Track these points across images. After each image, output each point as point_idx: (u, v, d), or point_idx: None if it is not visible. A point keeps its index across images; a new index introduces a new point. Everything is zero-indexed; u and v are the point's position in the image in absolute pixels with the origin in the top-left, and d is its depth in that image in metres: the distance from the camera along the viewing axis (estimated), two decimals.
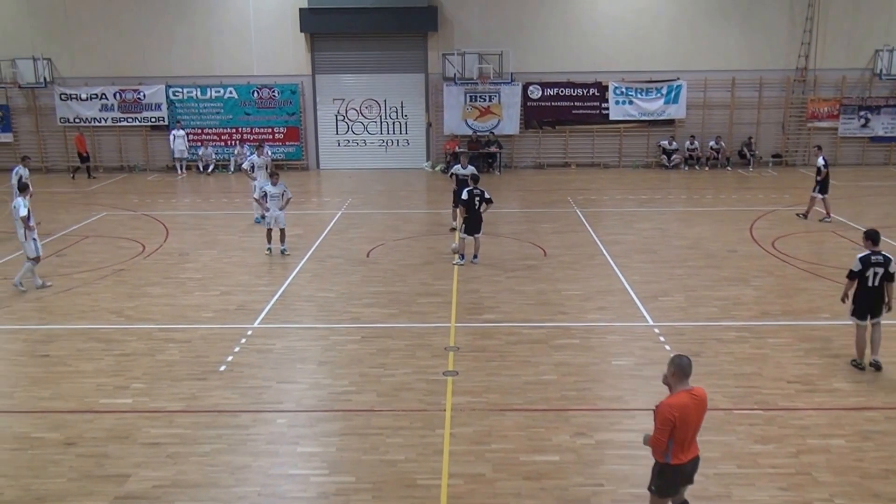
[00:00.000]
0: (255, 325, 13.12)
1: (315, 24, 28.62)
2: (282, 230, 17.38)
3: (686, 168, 29.32)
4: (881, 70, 28.64)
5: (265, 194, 17.41)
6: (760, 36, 28.89)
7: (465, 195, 16.49)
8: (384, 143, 30.25)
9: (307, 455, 8.95)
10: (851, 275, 11.05)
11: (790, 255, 17.10)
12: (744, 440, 9.22)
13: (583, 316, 13.46)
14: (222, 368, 11.32)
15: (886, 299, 10.98)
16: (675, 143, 29.47)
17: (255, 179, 20.44)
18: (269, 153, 22.16)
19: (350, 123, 30.17)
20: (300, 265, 16.70)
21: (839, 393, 10.44)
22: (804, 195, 23.35)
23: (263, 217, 18.01)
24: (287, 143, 29.69)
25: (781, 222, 20.32)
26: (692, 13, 28.87)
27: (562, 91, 29.43)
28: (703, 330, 12.75)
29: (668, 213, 21.96)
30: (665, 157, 29.44)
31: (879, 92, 29.36)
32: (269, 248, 17.42)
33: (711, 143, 29.37)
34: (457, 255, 16.75)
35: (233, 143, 29.95)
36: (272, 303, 14.23)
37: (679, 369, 6.65)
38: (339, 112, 30.06)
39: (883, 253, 10.97)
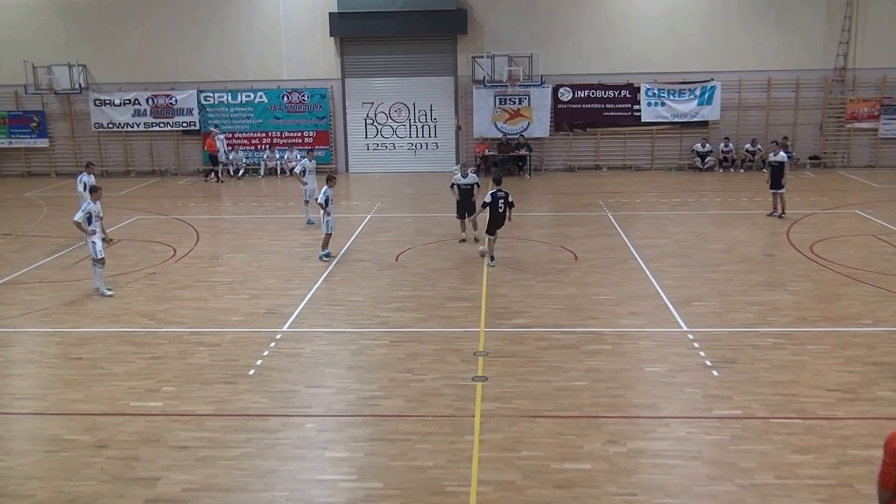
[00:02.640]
0: (285, 328, 13.11)
1: (344, 29, 28.69)
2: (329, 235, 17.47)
3: (721, 171, 28.91)
4: None
5: (327, 199, 17.21)
6: (796, 35, 28.42)
7: (488, 198, 16.52)
8: (413, 147, 30.20)
9: (335, 460, 8.90)
10: None
11: (829, 259, 16.74)
12: (781, 450, 9.00)
13: (615, 321, 13.28)
14: (251, 372, 11.31)
15: None
16: (708, 146, 29.07)
17: (306, 184, 20.66)
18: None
19: (379, 127, 30.18)
20: (329, 269, 16.68)
21: (882, 402, 10.16)
22: (844, 197, 22.93)
23: (317, 220, 18.64)
24: (317, 146, 29.72)
25: (820, 226, 19.91)
26: (726, 13, 28.47)
27: (593, 93, 29.18)
28: (738, 336, 12.49)
29: (702, 216, 21.65)
30: (699, 159, 29.05)
31: None
32: (329, 253, 17.39)
33: (747, 146, 28.92)
34: (486, 257, 16.61)
35: (263, 147, 30.06)
36: (301, 306, 14.22)
37: None
38: (368, 116, 30.09)
39: None
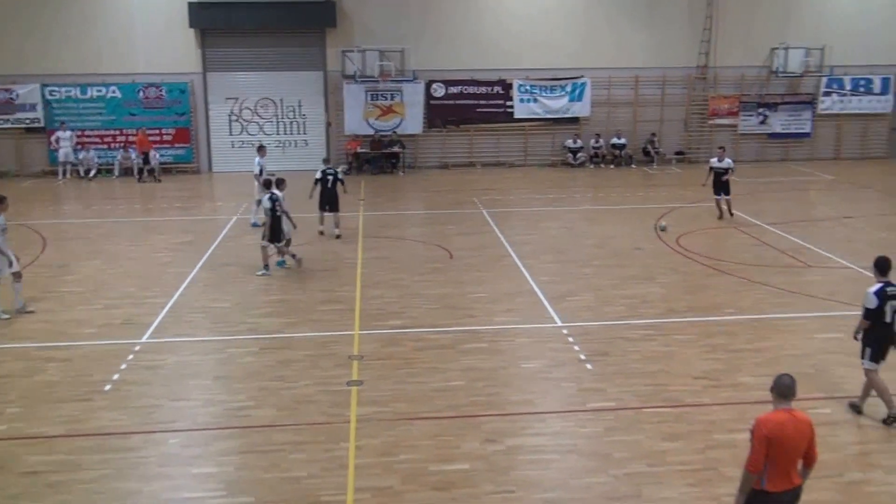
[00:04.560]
0: (144, 339, 12.38)
1: (205, 20, 27.53)
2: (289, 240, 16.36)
3: (592, 166, 29.60)
4: (778, 68, 29.56)
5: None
6: (661, 34, 29.44)
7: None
8: (281, 144, 29.32)
9: (203, 476, 8.48)
10: (868, 314, 9.45)
11: (695, 251, 17.32)
12: (653, 438, 9.24)
13: (491, 319, 13.26)
14: (108, 388, 10.60)
15: None
16: (580, 142, 29.71)
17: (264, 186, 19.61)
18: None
19: (244, 124, 29.16)
20: (192, 274, 15.91)
21: (744, 387, 10.56)
22: (708, 191, 23.83)
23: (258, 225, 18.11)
24: (176, 144, 28.45)
25: (685, 219, 20.62)
26: (595, 11, 29.16)
27: (465, 89, 29.28)
28: (611, 329, 12.72)
29: (575, 212, 22.06)
30: (570, 155, 29.64)
31: (776, 89, 30.34)
32: (284, 262, 16.22)
33: (613, 139, 29.71)
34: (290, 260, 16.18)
35: (117, 145, 28.43)
36: (162, 315, 13.48)
37: (775, 387, 6.38)
38: (232, 112, 28.98)
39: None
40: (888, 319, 9.41)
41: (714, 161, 20.45)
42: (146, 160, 27.37)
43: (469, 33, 28.85)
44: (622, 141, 29.72)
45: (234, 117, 29.06)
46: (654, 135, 29.97)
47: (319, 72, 28.88)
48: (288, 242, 16.20)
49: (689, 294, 14.52)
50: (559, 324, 12.96)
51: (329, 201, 18.66)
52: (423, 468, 8.58)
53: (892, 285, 9.45)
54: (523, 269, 16.05)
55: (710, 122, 30.29)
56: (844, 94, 30.54)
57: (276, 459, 8.77)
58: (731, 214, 20.37)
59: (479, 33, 28.89)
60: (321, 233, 18.99)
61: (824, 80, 30.10)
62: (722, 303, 13.97)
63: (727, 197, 20.29)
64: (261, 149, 20.40)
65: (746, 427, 9.11)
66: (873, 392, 9.67)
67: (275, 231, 15.71)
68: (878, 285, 9.47)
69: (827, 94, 30.40)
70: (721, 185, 20.25)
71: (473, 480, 8.34)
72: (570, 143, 29.75)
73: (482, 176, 28.09)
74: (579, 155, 29.64)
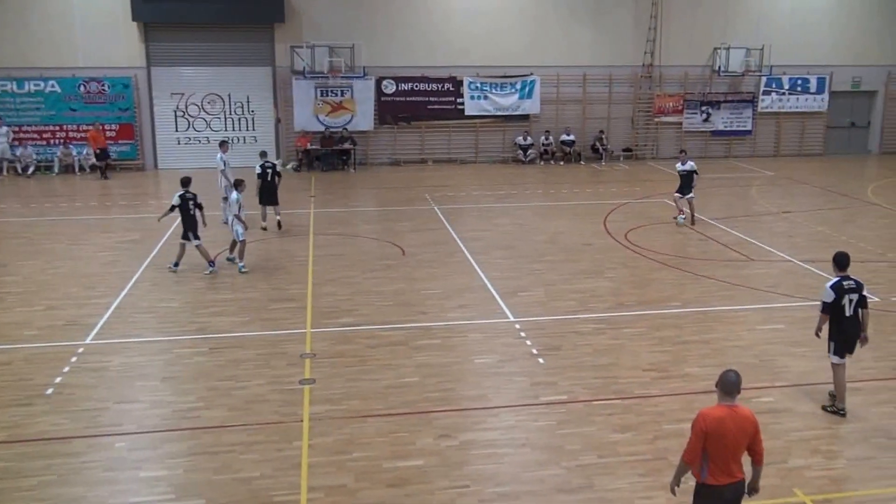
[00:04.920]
0: (88, 341, 12.09)
1: (149, 13, 26.96)
2: (242, 243, 15.83)
3: (542, 163, 29.81)
4: (720, 67, 30.13)
5: (240, 206, 15.67)
6: (608, 33, 29.78)
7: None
8: (229, 141, 28.84)
9: (151, 480, 8.32)
10: (825, 307, 9.61)
11: (642, 246, 17.57)
12: (603, 430, 9.36)
13: (443, 315, 13.28)
14: (50, 391, 10.33)
15: (862, 329, 9.70)
16: (530, 139, 29.89)
17: (230, 182, 18.83)
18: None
19: (191, 120, 28.67)
20: (138, 273, 15.61)
21: (691, 378, 10.77)
22: (655, 187, 24.23)
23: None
24: (120, 141, 27.86)
25: (633, 215, 20.90)
26: (544, 10, 29.36)
27: (416, 86, 29.26)
28: (562, 323, 12.84)
29: (526, 208, 22.18)
30: (521, 152, 29.81)
31: (719, 88, 30.92)
32: (244, 266, 15.68)
33: (563, 136, 29.95)
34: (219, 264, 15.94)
35: (57, 141, 27.70)
36: (107, 316, 13.19)
37: (720, 382, 6.42)
38: (178, 107, 28.46)
39: (853, 277, 9.67)
40: (848, 313, 9.53)
41: (678, 165, 20.09)
42: (101, 156, 26.80)
43: (420, 30, 28.82)
44: (571, 138, 30.00)
45: (180, 113, 28.55)
46: (602, 132, 30.31)
47: (268, 67, 28.55)
48: (234, 246, 15.93)
49: (637, 288, 14.73)
50: (511, 319, 13.04)
51: (269, 195, 18.88)
52: (377, 465, 8.56)
53: (849, 279, 9.59)
54: (475, 265, 16.10)
55: (656, 119, 30.77)
56: (783, 94, 31.30)
57: (228, 460, 8.66)
58: (693, 223, 19.69)
59: (430, 30, 28.88)
60: (264, 228, 18.89)
61: (764, 79, 30.81)
62: (669, 296, 14.20)
63: (689, 196, 19.83)
64: (223, 144, 20.11)
65: (694, 417, 9.41)
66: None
67: (188, 227, 15.53)
68: (835, 279, 9.62)
69: (766, 92, 31.11)
70: (684, 185, 19.84)
71: (428, 476, 8.36)
72: (520, 140, 29.92)
73: (434, 172, 28.09)
74: (529, 152, 29.82)
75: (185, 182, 15.91)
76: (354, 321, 12.92)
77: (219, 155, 19.60)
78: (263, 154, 19.98)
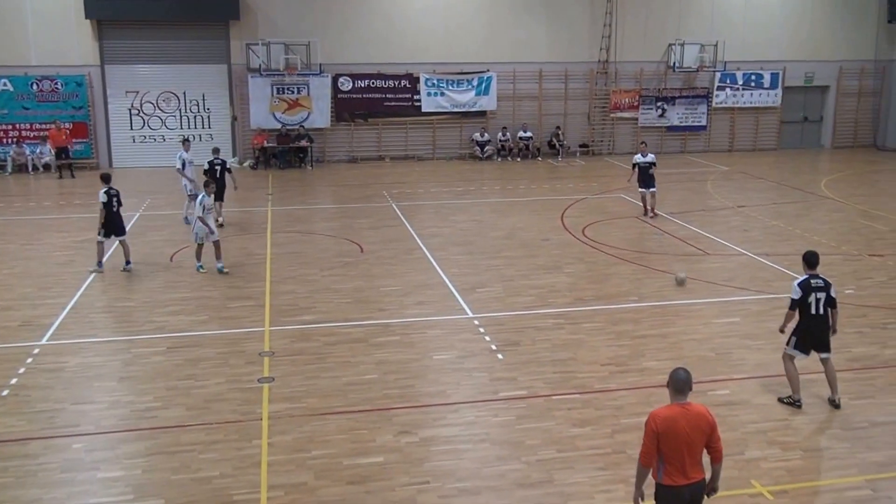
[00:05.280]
0: (44, 342, 11.91)
1: (102, 11, 26.56)
2: (217, 243, 15.43)
3: (499, 159, 29.93)
4: (674, 63, 30.51)
5: (204, 207, 15.14)
6: (564, 29, 29.99)
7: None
8: (191, 139, 28.52)
9: (109, 480, 8.23)
10: (793, 304, 9.68)
11: (599, 241, 17.76)
12: (563, 424, 9.43)
13: (402, 312, 13.30)
14: (5, 393, 10.16)
15: (832, 325, 9.81)
16: (487, 135, 30.00)
17: (192, 180, 19.09)
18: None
19: (146, 118, 28.29)
20: (95, 273, 15.38)
21: (649, 371, 10.89)
22: (611, 183, 24.49)
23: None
24: (75, 139, 27.38)
25: (590, 210, 21.11)
26: (499, 6, 29.49)
27: (373, 83, 29.19)
28: (521, 319, 12.93)
29: (484, 204, 22.27)
30: (478, 148, 29.91)
31: (673, 84, 31.31)
32: (202, 266, 15.34)
33: (520, 133, 30.12)
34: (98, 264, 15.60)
35: (9, 141, 27.11)
36: (63, 316, 13.00)
37: (670, 381, 6.34)
38: (133, 105, 28.07)
39: (821, 276, 9.74)
40: (814, 311, 9.61)
41: (638, 157, 20.27)
42: (60, 155, 26.32)
43: (376, 27, 28.75)
44: (528, 134, 30.17)
45: (134, 111, 28.15)
46: (559, 128, 30.54)
47: (223, 65, 28.27)
48: (199, 248, 15.42)
49: (595, 283, 14.89)
50: (470, 315, 13.10)
51: (218, 191, 18.69)
52: (338, 463, 8.55)
53: (817, 277, 9.66)
54: (434, 262, 16.15)
55: (612, 115, 31.07)
56: (737, 89, 31.79)
57: (187, 460, 8.59)
58: (654, 214, 20.08)
59: (386, 27, 28.82)
60: (220, 224, 18.69)
61: (718, 74, 31.25)
62: (626, 291, 14.38)
63: (653, 189, 20.09)
64: (185, 142, 20.06)
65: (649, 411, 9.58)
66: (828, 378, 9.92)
67: (109, 225, 15.33)
68: (803, 277, 9.71)
69: (721, 88, 31.58)
70: (647, 179, 20.07)
71: (388, 473, 8.37)
72: (477, 136, 30.02)
73: (391, 169, 28.07)
74: (487, 148, 29.93)
75: (107, 179, 15.65)
76: (313, 319, 12.89)
77: (179, 153, 19.47)
78: (215, 150, 19.98)
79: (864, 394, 10.23)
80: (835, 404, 9.85)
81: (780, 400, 10.01)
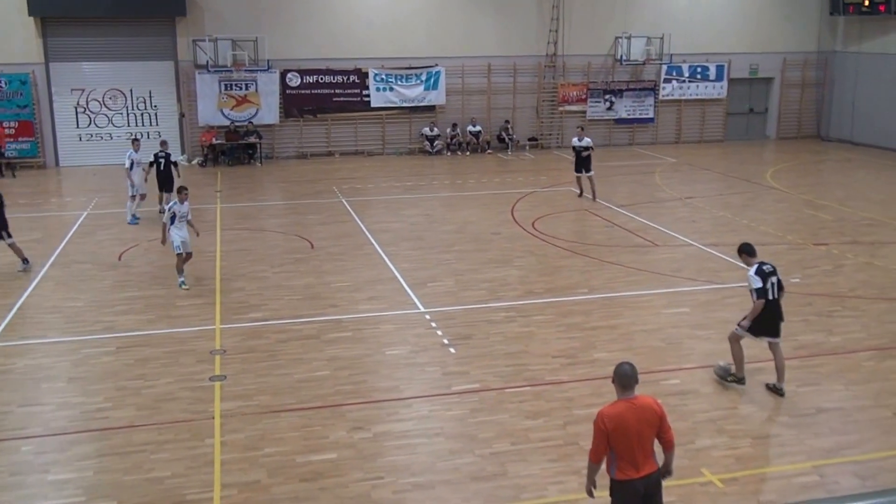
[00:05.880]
0: None
1: (45, 7, 25.88)
2: (189, 255, 14.46)
3: (449, 154, 29.99)
4: (621, 56, 30.82)
5: (174, 216, 14.10)
6: (512, 23, 30.08)
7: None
8: (133, 137, 28.10)
9: (59, 483, 8.16)
10: (760, 293, 9.73)
11: (549, 234, 17.93)
12: (515, 417, 9.53)
13: (354, 307, 13.31)
14: None
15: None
16: (436, 129, 30.04)
17: (134, 184, 19.07)
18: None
19: (92, 116, 27.70)
20: (41, 273, 15.12)
21: (599, 363, 11.04)
22: (560, 176, 24.71)
23: (137, 219, 18.70)
24: (20, 138, 26.74)
25: (540, 203, 21.27)
26: (446, 1, 29.47)
27: (321, 78, 28.99)
28: (472, 312, 13.02)
29: (434, 198, 22.34)
30: (428, 143, 29.94)
31: (621, 77, 31.60)
32: (185, 282, 14.18)
33: (469, 127, 30.21)
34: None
35: None
36: (9, 318, 12.78)
37: (615, 376, 6.36)
38: (79, 103, 27.46)
39: (768, 262, 10.02)
40: (770, 296, 9.77)
41: (574, 140, 21.44)
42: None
43: (323, 22, 28.55)
44: (477, 128, 30.26)
45: (81, 109, 27.55)
46: (507, 122, 30.68)
47: (170, 61, 27.81)
48: (180, 260, 14.42)
49: (545, 276, 15.04)
50: (422, 309, 13.16)
51: (164, 183, 19.15)
52: (291, 460, 8.56)
53: (766, 263, 9.90)
54: (385, 257, 16.16)
55: (561, 108, 31.26)
56: (683, 81, 32.22)
57: (138, 460, 8.54)
58: (594, 198, 20.99)
59: (333, 22, 28.63)
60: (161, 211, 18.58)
61: (664, 67, 31.61)
62: (577, 283, 14.56)
63: (589, 174, 21.14)
64: (134, 142, 19.83)
65: (603, 402, 9.74)
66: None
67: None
68: (755, 266, 9.85)
69: (667, 80, 31.98)
70: (582, 161, 21.14)
71: (342, 469, 8.39)
72: (426, 130, 30.02)
73: (341, 165, 27.94)
74: (436, 143, 29.98)
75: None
76: (264, 316, 12.84)
77: (129, 152, 19.30)
78: (163, 143, 20.08)
79: (810, 381, 10.51)
80: (779, 392, 10.06)
81: (722, 377, 10.27)
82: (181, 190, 14.65)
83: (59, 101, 27.27)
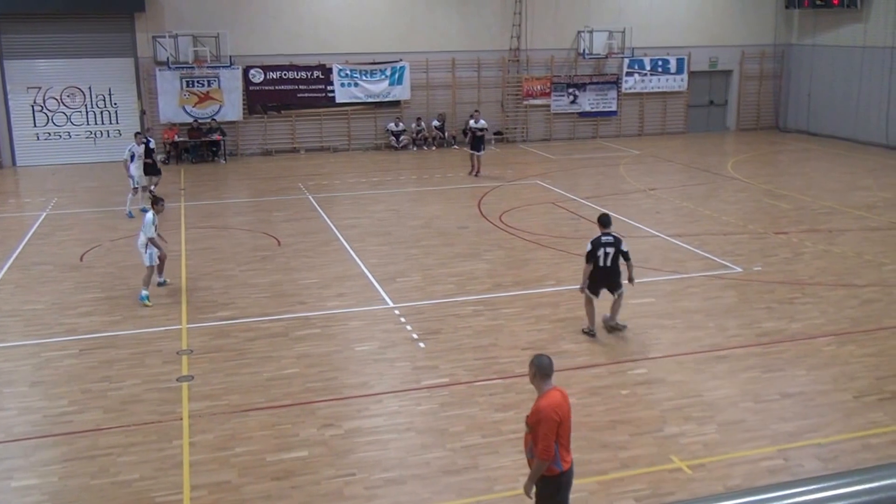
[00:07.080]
0: None
1: (0, 4, 25.45)
2: (163, 258, 13.84)
3: (414, 149, 29.94)
4: (584, 50, 30.99)
5: (156, 228, 13.38)
6: (476, 18, 30.09)
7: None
8: (92, 135, 27.64)
9: (24, 489, 8.01)
10: (587, 257, 11.46)
11: (517, 227, 17.99)
12: (486, 410, 9.56)
13: (322, 304, 13.24)
14: None
15: (629, 275, 11.71)
16: (402, 125, 29.97)
17: (132, 176, 19.31)
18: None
19: (50, 114, 27.20)
20: (0, 275, 14.86)
21: (567, 354, 11.13)
22: (526, 169, 24.82)
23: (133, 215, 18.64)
24: None
25: (507, 197, 21.34)
26: None
27: (285, 74, 28.77)
28: (441, 307, 13.03)
29: (400, 194, 22.29)
30: (393, 138, 29.86)
31: (584, 70, 31.77)
32: (148, 297, 13.29)
33: (434, 122, 30.19)
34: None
35: None
36: None
37: (539, 369, 6.39)
38: (35, 102, 26.96)
39: (613, 234, 11.58)
40: (601, 263, 11.39)
41: (471, 122, 24.09)
42: None
43: (285, 17, 28.32)
44: (443, 123, 30.26)
45: (37, 107, 27.05)
46: (477, 111, 30.63)
47: (130, 58, 27.39)
48: (149, 272, 13.68)
49: (513, 269, 15.09)
50: (390, 305, 13.14)
51: (148, 168, 20.14)
52: (261, 459, 8.51)
53: (609, 235, 11.48)
54: (352, 253, 16.10)
55: (525, 102, 31.37)
56: (645, 74, 32.49)
57: (105, 464, 8.42)
58: (478, 174, 23.66)
59: (296, 17, 28.42)
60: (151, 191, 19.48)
61: (626, 61, 31.87)
62: (544, 275, 14.63)
63: (479, 154, 23.72)
64: (137, 135, 20.53)
65: (571, 392, 9.78)
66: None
67: None
68: (596, 235, 11.52)
69: (629, 74, 32.22)
70: (477, 142, 23.80)
71: (313, 467, 8.36)
72: (392, 126, 29.94)
73: (306, 161, 27.77)
74: (402, 138, 29.91)
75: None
76: (231, 314, 12.73)
77: (130, 146, 19.72)
78: (141, 133, 21.13)
79: (773, 367, 10.69)
80: (615, 327, 11.80)
81: (583, 331, 11.73)
82: (157, 201, 13.89)
83: (14, 99, 26.71)
